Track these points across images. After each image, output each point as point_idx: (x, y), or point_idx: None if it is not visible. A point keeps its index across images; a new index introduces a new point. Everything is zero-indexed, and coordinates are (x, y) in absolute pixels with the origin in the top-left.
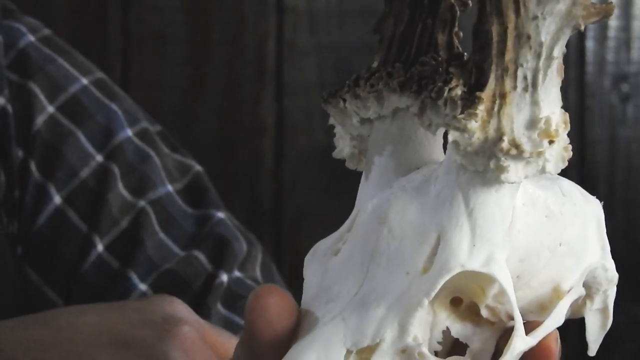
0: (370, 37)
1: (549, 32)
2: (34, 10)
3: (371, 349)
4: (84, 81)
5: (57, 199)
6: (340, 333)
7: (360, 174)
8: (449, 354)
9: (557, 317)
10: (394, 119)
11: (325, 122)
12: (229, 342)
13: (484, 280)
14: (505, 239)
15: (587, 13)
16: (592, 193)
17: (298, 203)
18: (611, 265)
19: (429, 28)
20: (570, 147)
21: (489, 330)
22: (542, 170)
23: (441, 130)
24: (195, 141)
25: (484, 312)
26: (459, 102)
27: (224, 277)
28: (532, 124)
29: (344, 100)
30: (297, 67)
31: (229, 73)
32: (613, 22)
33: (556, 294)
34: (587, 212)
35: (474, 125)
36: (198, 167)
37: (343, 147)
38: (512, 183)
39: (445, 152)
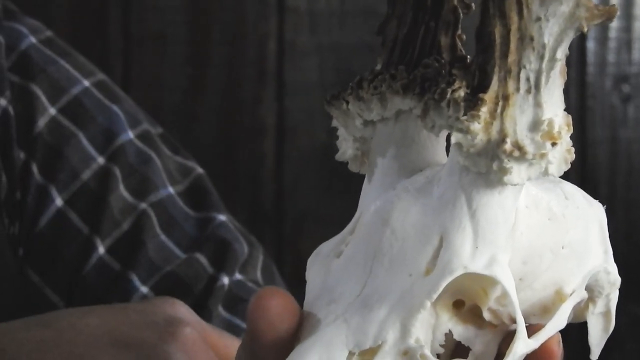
0: (371, 37)
1: (552, 34)
2: (34, 11)
3: (373, 350)
4: (86, 83)
5: (59, 201)
6: (343, 334)
7: (362, 174)
8: (451, 357)
9: (559, 320)
10: (397, 121)
11: (326, 122)
12: (231, 344)
13: (486, 282)
14: (507, 241)
15: (590, 15)
16: (593, 194)
17: (299, 203)
18: (614, 268)
19: (431, 30)
20: (572, 149)
21: (491, 333)
22: (545, 172)
23: (444, 132)
24: (195, 141)
25: (487, 315)
26: (462, 103)
27: (225, 280)
28: (535, 126)
29: (347, 103)
30: (298, 67)
31: (230, 73)
32: (614, 23)
33: (558, 297)
34: (590, 215)
35: (476, 127)
36: (199, 170)
37: (346, 149)
38: (515, 185)
39: (448, 154)
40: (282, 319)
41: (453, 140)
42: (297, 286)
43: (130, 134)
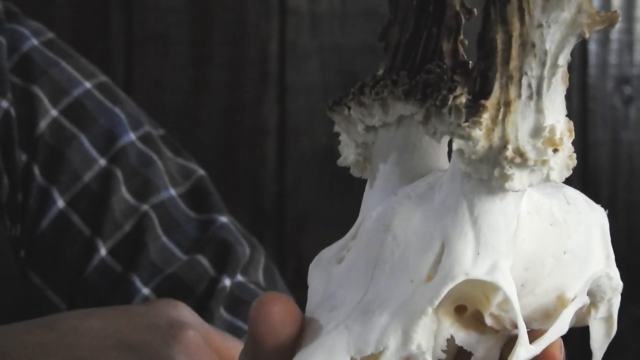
0: (372, 39)
1: (554, 40)
2: (36, 12)
3: (375, 357)
4: (87, 85)
5: (61, 203)
6: (344, 341)
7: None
8: None
9: (561, 326)
10: (399, 126)
11: (328, 124)
12: (234, 346)
13: (488, 288)
14: (509, 247)
15: (592, 21)
16: (594, 195)
17: (300, 204)
18: (616, 273)
19: (434, 36)
20: (574, 155)
21: (493, 339)
22: (547, 179)
23: (446, 138)
24: (197, 142)
25: (488, 320)
26: (464, 110)
27: (227, 282)
28: (536, 132)
29: (349, 108)
30: (299, 69)
31: (232, 74)
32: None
33: (560, 302)
34: (592, 220)
35: (478, 133)
36: (201, 171)
37: (348, 155)
38: (517, 191)
39: (450, 160)
40: (284, 325)
41: (454, 146)
42: (298, 287)
43: (132, 136)
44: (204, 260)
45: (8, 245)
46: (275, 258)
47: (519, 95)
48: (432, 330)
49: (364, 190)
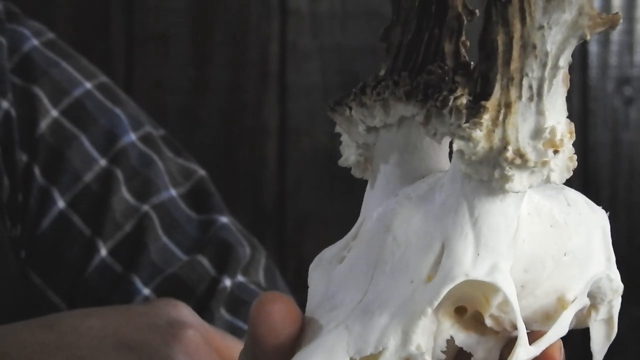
0: (373, 39)
1: (555, 42)
2: (37, 12)
3: (374, 357)
4: (88, 85)
5: (61, 203)
6: (344, 341)
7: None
8: None
9: (560, 327)
10: (400, 127)
11: (329, 125)
12: (234, 346)
13: (488, 289)
14: (509, 248)
15: (593, 23)
16: (595, 196)
17: (301, 205)
18: (616, 275)
19: (435, 37)
20: (575, 157)
21: (493, 340)
22: (547, 180)
23: (447, 139)
24: (198, 143)
25: (488, 322)
26: (464, 111)
27: (228, 282)
28: (537, 133)
29: (350, 109)
30: (300, 70)
31: (232, 75)
32: None
33: (560, 304)
34: (593, 222)
35: (478, 134)
36: (201, 172)
37: (349, 155)
38: (517, 192)
39: (450, 161)
40: (284, 325)
41: (455, 147)
42: (298, 288)
43: (133, 137)
44: (204, 261)
45: (8, 245)
46: (275, 259)
47: (520, 97)
48: (431, 331)
49: (364, 191)
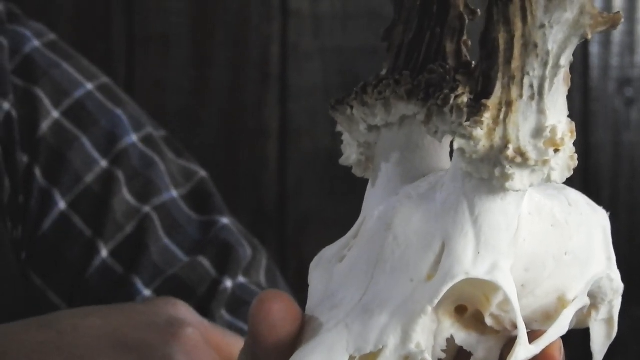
0: (374, 40)
1: (556, 41)
2: (38, 13)
3: (374, 355)
4: (89, 86)
5: (62, 204)
6: (344, 339)
7: (365, 178)
8: None
9: (560, 326)
10: (401, 126)
11: (330, 125)
12: (234, 343)
13: (488, 288)
14: (510, 247)
15: (595, 22)
16: (595, 197)
17: (302, 206)
18: (617, 275)
19: (437, 36)
20: (575, 156)
21: (493, 339)
22: (548, 179)
23: (448, 138)
24: (199, 144)
25: (489, 321)
26: (465, 109)
27: (228, 283)
28: (537, 132)
29: (351, 108)
30: (301, 70)
31: (233, 76)
32: None
33: (561, 304)
34: (593, 222)
35: (479, 132)
36: (202, 173)
37: (350, 154)
38: (517, 191)
39: (452, 160)
40: (284, 323)
41: (456, 146)
42: (299, 289)
43: (134, 138)
44: (205, 262)
45: (9, 247)
46: (276, 259)
47: (521, 96)
48: (432, 329)
49: (365, 192)
